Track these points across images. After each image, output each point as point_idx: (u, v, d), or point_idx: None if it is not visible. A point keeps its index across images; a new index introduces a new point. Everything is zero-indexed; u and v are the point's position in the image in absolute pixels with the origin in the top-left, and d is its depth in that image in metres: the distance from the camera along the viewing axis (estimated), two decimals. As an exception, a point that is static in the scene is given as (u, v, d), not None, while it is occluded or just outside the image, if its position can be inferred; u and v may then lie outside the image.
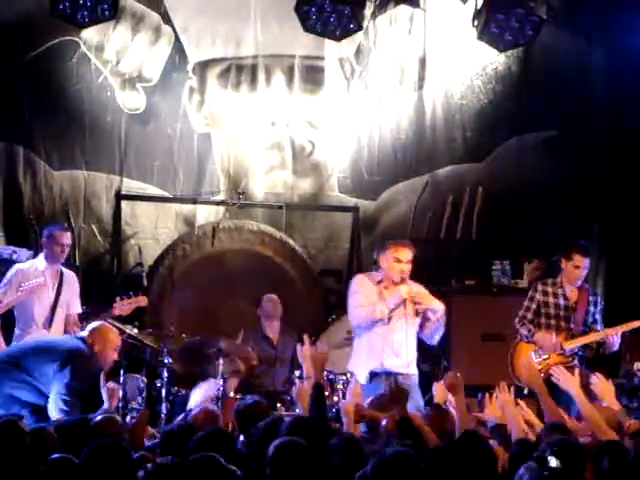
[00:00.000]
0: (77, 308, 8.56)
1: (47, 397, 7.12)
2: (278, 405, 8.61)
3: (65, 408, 7.00)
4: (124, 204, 10.74)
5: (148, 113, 10.83)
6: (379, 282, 7.92)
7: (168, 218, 10.94)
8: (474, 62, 11.13)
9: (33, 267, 8.46)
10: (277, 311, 9.65)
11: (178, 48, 10.86)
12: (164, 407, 8.56)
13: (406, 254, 7.83)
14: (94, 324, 7.61)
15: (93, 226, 10.68)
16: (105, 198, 10.76)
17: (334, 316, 10.08)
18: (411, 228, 11.16)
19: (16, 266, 8.56)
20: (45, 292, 8.33)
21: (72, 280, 8.61)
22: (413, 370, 7.99)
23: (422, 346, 8.70)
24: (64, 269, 8.59)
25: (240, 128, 11.04)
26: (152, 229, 10.86)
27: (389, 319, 7.80)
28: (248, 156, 11.06)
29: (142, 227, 10.82)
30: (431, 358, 9.42)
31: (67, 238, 8.52)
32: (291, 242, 10.75)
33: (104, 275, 10.55)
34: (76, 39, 10.57)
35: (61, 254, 8.46)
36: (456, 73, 11.18)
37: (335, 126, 11.16)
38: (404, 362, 7.88)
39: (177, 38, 10.84)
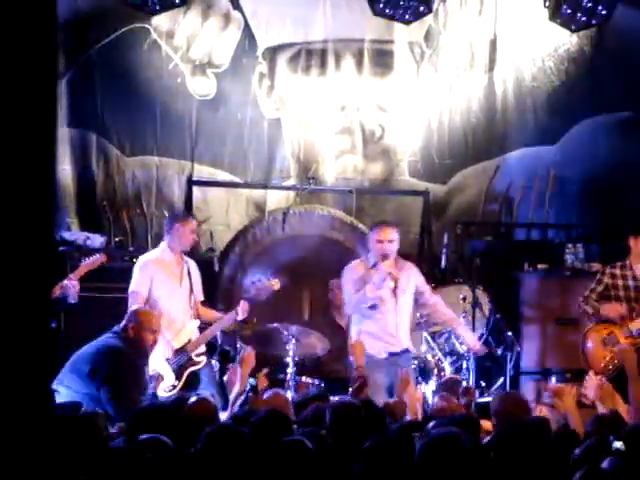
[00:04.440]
0: (200, 295, 8.55)
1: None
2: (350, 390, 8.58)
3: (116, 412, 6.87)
4: (195, 190, 10.80)
5: (218, 99, 10.88)
6: (373, 266, 8.18)
7: (239, 204, 10.98)
8: (546, 43, 10.98)
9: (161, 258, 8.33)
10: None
11: (248, 33, 10.88)
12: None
13: (387, 234, 8.16)
14: (130, 309, 7.59)
15: (165, 212, 10.74)
16: (177, 184, 10.84)
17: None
18: (482, 212, 11.09)
19: (143, 258, 8.41)
20: (177, 283, 8.28)
21: (195, 266, 8.57)
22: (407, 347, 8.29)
23: (495, 330, 8.62)
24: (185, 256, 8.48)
25: (310, 113, 11.04)
26: (223, 215, 10.91)
27: (380, 302, 8.09)
28: (318, 141, 11.06)
29: (213, 213, 10.88)
30: (504, 342, 9.35)
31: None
32: (361, 227, 10.71)
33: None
34: (147, 26, 10.65)
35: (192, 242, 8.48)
36: (527, 55, 11.04)
37: (405, 110, 11.10)
38: (398, 342, 8.19)
39: (247, 23, 10.86)
